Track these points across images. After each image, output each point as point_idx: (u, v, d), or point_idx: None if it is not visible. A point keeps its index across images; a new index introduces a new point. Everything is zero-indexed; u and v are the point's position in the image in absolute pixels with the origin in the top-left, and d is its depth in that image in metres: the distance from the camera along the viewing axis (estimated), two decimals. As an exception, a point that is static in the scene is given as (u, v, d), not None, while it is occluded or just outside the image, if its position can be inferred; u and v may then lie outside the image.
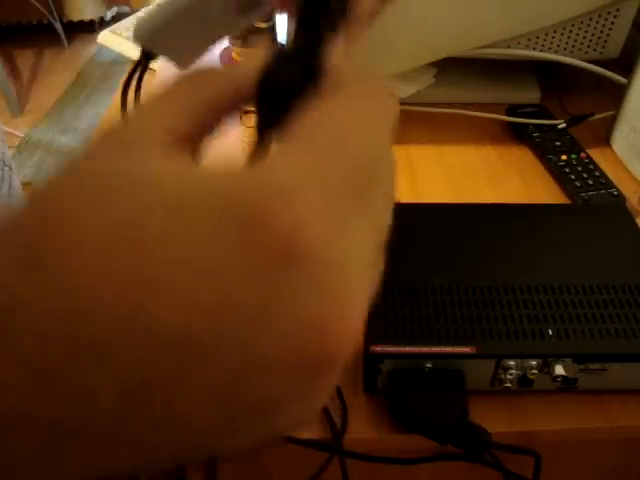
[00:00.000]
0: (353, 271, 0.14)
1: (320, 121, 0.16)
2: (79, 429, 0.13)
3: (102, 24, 2.79)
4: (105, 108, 2.29)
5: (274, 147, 0.17)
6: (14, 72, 2.59)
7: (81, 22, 2.80)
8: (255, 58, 0.19)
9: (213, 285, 0.13)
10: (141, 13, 1.27)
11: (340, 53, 0.20)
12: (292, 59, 0.20)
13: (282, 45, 0.21)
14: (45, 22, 2.75)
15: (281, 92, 0.19)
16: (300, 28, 0.20)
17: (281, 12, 0.27)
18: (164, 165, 0.15)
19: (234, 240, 0.13)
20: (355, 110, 0.17)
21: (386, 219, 0.17)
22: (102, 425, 0.13)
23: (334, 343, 0.14)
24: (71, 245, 0.13)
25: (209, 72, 0.19)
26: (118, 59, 2.58)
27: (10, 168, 0.49)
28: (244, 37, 0.88)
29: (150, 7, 0.34)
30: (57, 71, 2.63)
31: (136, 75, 0.37)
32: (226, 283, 0.13)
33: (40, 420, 0.13)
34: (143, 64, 0.36)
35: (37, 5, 2.62)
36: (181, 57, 0.36)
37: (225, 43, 0.92)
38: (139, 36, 0.35)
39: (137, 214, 0.13)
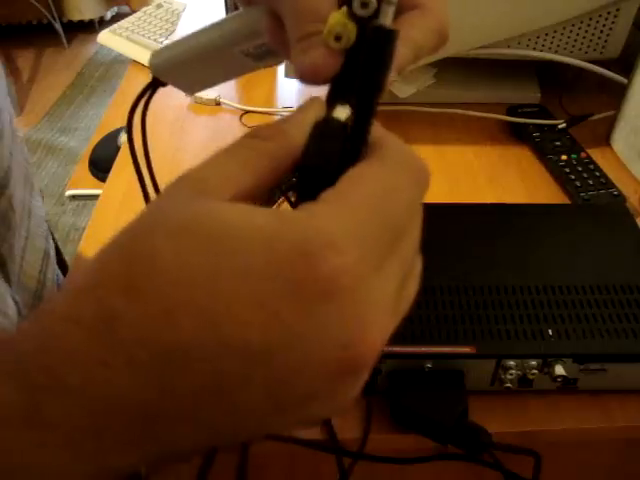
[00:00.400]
0: (379, 304, 0.19)
1: (365, 185, 0.20)
2: (169, 413, 0.18)
3: (102, 24, 2.79)
4: (105, 108, 2.29)
5: (323, 197, 0.19)
6: (14, 72, 2.59)
7: (81, 22, 2.79)
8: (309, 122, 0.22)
9: (267, 311, 0.17)
10: (141, 14, 1.27)
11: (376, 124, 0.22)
12: (338, 137, 0.22)
13: (330, 116, 0.22)
14: (45, 22, 2.75)
15: (323, 173, 0.21)
16: (354, 106, 0.22)
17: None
18: (233, 214, 0.18)
19: (285, 277, 0.17)
20: (397, 181, 0.20)
21: (412, 262, 0.21)
22: (187, 411, 0.18)
23: (360, 357, 0.18)
24: (160, 276, 0.17)
25: (271, 138, 0.22)
26: (118, 59, 2.58)
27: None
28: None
29: (170, 41, 0.35)
30: (57, 71, 2.63)
31: (143, 100, 0.38)
32: (277, 309, 0.17)
33: (144, 406, 0.18)
34: (152, 91, 0.37)
35: (37, 5, 2.61)
36: (191, 88, 0.39)
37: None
38: (154, 66, 0.36)
39: (209, 257, 0.17)
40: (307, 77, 0.24)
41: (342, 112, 0.23)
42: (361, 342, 0.18)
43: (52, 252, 0.50)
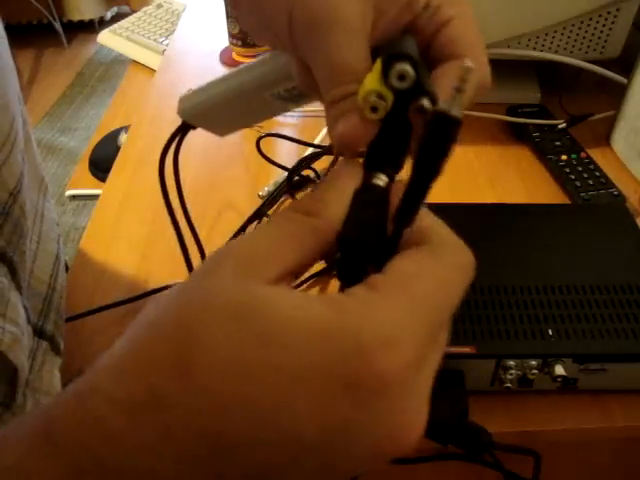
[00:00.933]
0: (424, 393, 0.20)
1: (423, 280, 0.20)
2: None
3: (102, 24, 2.79)
4: (105, 108, 2.29)
5: (378, 286, 0.19)
6: (14, 72, 2.59)
7: (81, 22, 2.80)
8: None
9: (323, 407, 0.17)
10: (141, 14, 1.27)
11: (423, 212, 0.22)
12: (380, 207, 0.22)
13: (370, 185, 0.22)
14: (45, 22, 2.75)
15: (365, 246, 0.21)
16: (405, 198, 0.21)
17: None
18: (288, 303, 0.18)
19: (341, 373, 0.17)
20: (453, 278, 0.21)
21: (444, 346, 0.22)
22: None
23: (406, 447, 0.19)
24: (214, 367, 0.17)
25: (315, 213, 0.22)
26: (118, 59, 2.58)
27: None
28: (244, 37, 0.88)
29: (199, 86, 0.35)
30: (57, 71, 2.63)
31: (173, 145, 0.38)
32: (333, 405, 0.17)
33: None
34: (182, 134, 0.37)
35: (37, 5, 2.62)
36: (222, 131, 0.38)
37: (225, 43, 0.92)
38: (183, 112, 0.35)
39: (265, 350, 0.17)
40: (341, 146, 0.24)
41: (381, 181, 0.23)
42: (409, 434, 0.19)
43: (62, 255, 0.50)
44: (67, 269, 0.57)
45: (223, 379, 0.17)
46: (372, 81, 0.22)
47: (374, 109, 0.22)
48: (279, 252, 0.20)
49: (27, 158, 0.42)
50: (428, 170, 0.21)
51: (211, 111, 0.34)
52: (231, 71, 0.32)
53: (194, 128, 0.36)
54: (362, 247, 0.21)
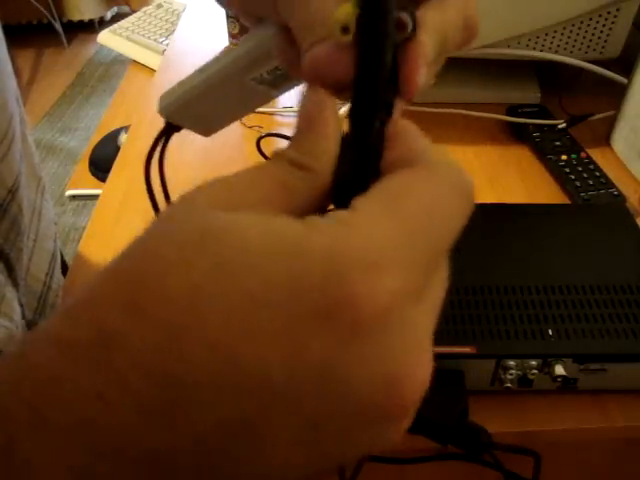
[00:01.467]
0: (422, 335, 0.17)
1: (408, 191, 0.17)
2: (189, 462, 0.15)
3: (102, 24, 2.79)
4: (105, 108, 2.29)
5: (360, 204, 0.17)
6: (14, 72, 2.59)
7: (81, 22, 2.80)
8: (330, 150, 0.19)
9: (292, 342, 0.15)
10: (141, 14, 1.27)
11: (402, 129, 0.20)
12: (351, 152, 0.20)
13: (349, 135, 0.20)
14: (45, 22, 2.75)
15: (352, 188, 0.19)
16: (354, 120, 0.19)
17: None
18: (252, 222, 0.16)
19: (313, 303, 0.14)
20: (449, 199, 0.17)
21: (445, 285, 0.18)
22: (202, 456, 0.15)
23: (407, 396, 0.16)
24: (167, 298, 0.15)
25: (308, 168, 0.19)
26: (118, 59, 2.58)
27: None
28: (245, 34, 0.88)
29: (178, 82, 0.33)
30: (57, 71, 2.63)
31: (159, 147, 0.36)
32: (304, 341, 0.15)
33: (151, 452, 0.15)
34: (166, 136, 0.35)
35: (37, 5, 2.62)
36: (208, 129, 0.36)
37: (225, 42, 0.92)
38: (164, 109, 0.33)
39: (224, 276, 0.15)
40: (313, 74, 0.22)
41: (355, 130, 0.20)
42: (407, 383, 0.16)
43: (58, 254, 0.50)
44: (67, 269, 0.57)
45: (177, 311, 0.15)
46: (345, 6, 0.20)
47: (345, 30, 0.20)
48: (266, 199, 0.18)
49: (24, 157, 0.42)
50: (368, 66, 0.19)
51: (192, 105, 0.32)
52: (209, 60, 0.31)
53: (179, 130, 0.34)
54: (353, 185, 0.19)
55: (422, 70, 0.21)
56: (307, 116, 0.20)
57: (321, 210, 0.20)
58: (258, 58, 0.28)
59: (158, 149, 0.36)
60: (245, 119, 0.77)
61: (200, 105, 0.32)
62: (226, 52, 0.30)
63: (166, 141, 0.35)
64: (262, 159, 0.64)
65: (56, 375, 0.15)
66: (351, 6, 0.20)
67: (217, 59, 0.30)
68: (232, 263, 0.15)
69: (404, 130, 0.20)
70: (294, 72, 0.26)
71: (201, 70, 0.31)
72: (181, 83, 0.32)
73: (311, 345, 0.15)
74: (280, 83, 0.29)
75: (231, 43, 0.90)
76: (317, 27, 0.22)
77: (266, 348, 0.15)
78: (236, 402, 0.15)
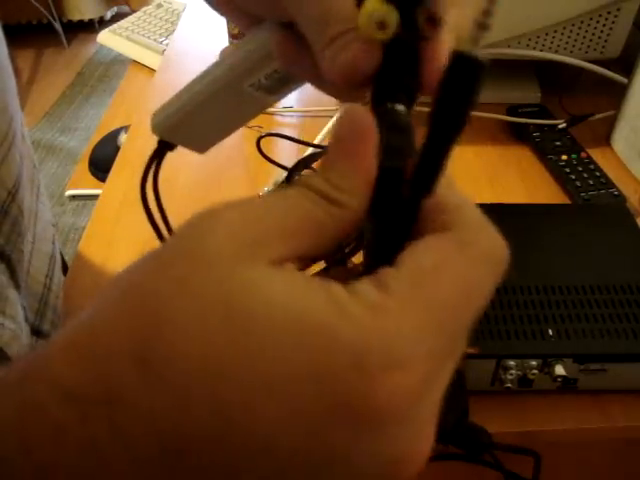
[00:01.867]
0: (432, 416, 0.17)
1: (441, 271, 0.16)
2: None
3: (102, 24, 2.79)
4: (105, 108, 2.29)
5: (394, 285, 0.16)
6: (14, 72, 2.59)
7: (81, 22, 2.80)
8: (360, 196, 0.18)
9: (307, 427, 0.15)
10: (141, 13, 1.27)
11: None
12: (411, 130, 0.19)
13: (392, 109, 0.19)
14: (45, 22, 2.75)
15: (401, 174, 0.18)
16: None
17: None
18: (281, 291, 0.15)
19: (333, 390, 0.14)
20: (480, 279, 0.17)
21: (458, 358, 0.18)
22: None
23: (412, 471, 0.16)
24: (184, 365, 0.15)
25: (339, 203, 0.18)
26: (118, 59, 2.58)
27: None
28: (243, 37, 0.88)
29: (170, 98, 0.31)
30: (57, 71, 2.63)
31: (153, 166, 0.35)
32: (318, 428, 0.15)
33: None
34: (160, 156, 0.34)
35: (37, 5, 2.61)
36: (203, 145, 0.34)
37: (225, 43, 0.92)
38: (157, 127, 0.32)
39: (243, 345, 0.14)
40: (346, 77, 0.21)
41: (401, 108, 0.20)
42: (413, 463, 0.16)
43: (58, 256, 0.50)
44: (67, 269, 0.57)
45: (189, 376, 0.14)
46: (372, 1, 0.20)
47: (382, 26, 0.20)
48: (290, 233, 0.17)
49: (23, 157, 0.42)
50: (450, 122, 0.18)
51: (187, 119, 0.31)
52: (202, 71, 0.29)
53: (172, 148, 0.33)
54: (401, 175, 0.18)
55: None
56: (344, 143, 0.19)
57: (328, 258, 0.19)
58: (256, 62, 0.27)
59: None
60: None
61: (196, 119, 0.31)
62: (221, 60, 0.29)
63: (160, 161, 0.34)
64: (262, 159, 0.64)
65: (62, 423, 0.15)
66: (379, 3, 0.19)
67: (212, 68, 0.29)
68: (255, 342, 0.15)
69: (440, 186, 0.19)
70: (298, 73, 0.25)
71: (195, 82, 0.30)
72: (174, 98, 0.31)
73: (326, 432, 0.15)
74: (278, 88, 0.28)
75: (231, 43, 0.90)
76: (333, 22, 0.21)
77: (280, 435, 0.15)
78: (239, 473, 0.15)
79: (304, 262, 0.18)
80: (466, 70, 0.16)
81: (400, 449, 0.16)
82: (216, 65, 0.29)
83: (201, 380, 0.14)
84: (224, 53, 0.29)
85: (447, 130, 0.18)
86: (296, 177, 0.56)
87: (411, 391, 0.15)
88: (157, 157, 0.33)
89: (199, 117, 0.30)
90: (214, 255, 0.16)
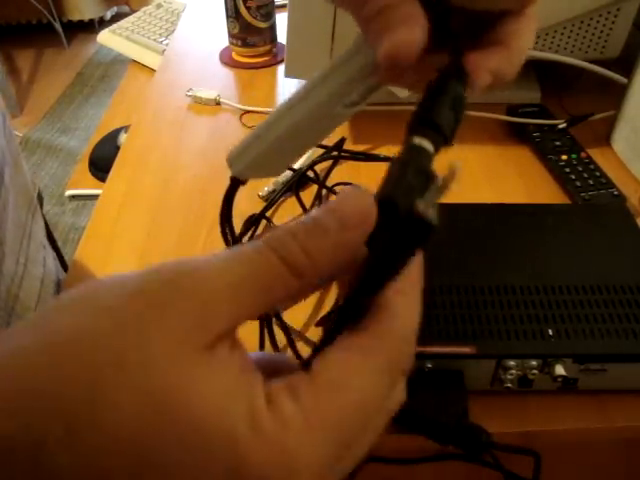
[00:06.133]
0: None
1: (343, 386, 0.19)
2: None
3: (102, 24, 2.79)
4: (105, 108, 2.29)
5: (303, 394, 0.18)
6: (14, 72, 2.59)
7: (81, 22, 2.80)
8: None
9: None
10: (141, 13, 1.27)
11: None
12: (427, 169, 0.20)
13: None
14: (45, 22, 2.75)
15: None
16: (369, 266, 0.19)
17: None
18: (208, 403, 0.17)
19: None
20: (377, 386, 0.20)
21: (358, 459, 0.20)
22: None
23: None
24: (106, 439, 0.16)
25: (302, 272, 0.19)
26: (118, 59, 2.58)
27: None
28: (244, 37, 0.88)
29: (249, 137, 0.30)
30: (57, 71, 2.63)
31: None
32: None
33: None
34: (234, 192, 0.34)
35: (37, 5, 2.62)
36: (279, 171, 0.34)
37: (225, 43, 0.92)
38: (240, 172, 0.32)
39: (164, 441, 0.16)
40: (395, 58, 0.22)
41: (428, 145, 0.20)
42: None
43: (48, 279, 0.48)
44: (67, 269, 0.57)
45: (111, 457, 0.16)
46: None
47: None
48: (239, 307, 0.18)
49: (15, 178, 0.42)
50: (384, 269, 0.19)
51: (272, 156, 0.30)
52: (286, 103, 0.28)
53: (245, 183, 0.33)
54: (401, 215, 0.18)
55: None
56: (341, 218, 0.19)
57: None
58: (358, 82, 0.27)
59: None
60: (245, 119, 0.77)
61: (282, 152, 0.30)
62: (311, 89, 0.28)
63: (233, 197, 0.35)
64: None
65: None
66: None
67: (302, 99, 0.28)
68: (177, 443, 0.16)
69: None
70: (400, 81, 0.27)
71: (279, 117, 0.29)
72: (254, 138, 0.30)
73: None
74: (366, 98, 0.28)
75: (231, 43, 0.90)
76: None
77: None
78: None
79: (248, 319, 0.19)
80: (415, 229, 0.17)
81: None
82: (310, 93, 0.28)
83: (124, 459, 0.16)
84: (307, 84, 0.28)
85: (380, 275, 0.19)
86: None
87: None
88: (231, 194, 0.34)
89: (286, 150, 0.30)
90: (156, 344, 0.17)
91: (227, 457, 0.16)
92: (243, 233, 0.57)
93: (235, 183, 0.33)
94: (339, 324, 0.20)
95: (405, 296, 0.20)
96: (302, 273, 0.19)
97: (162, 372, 0.16)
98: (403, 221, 0.17)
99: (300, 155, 0.32)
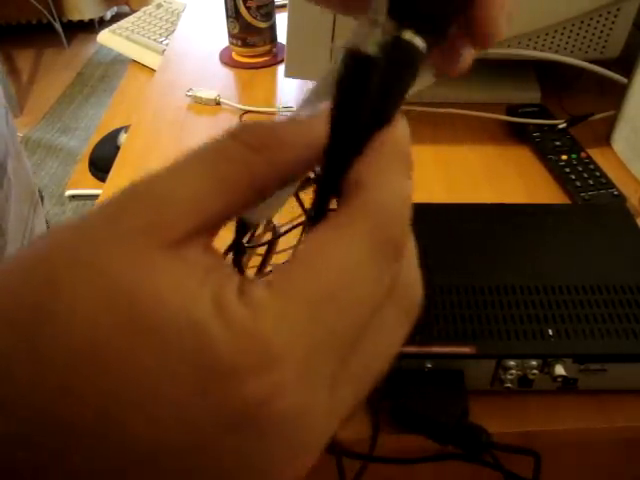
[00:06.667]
0: (317, 432, 0.16)
1: (321, 262, 0.16)
2: None
3: (102, 24, 2.79)
4: (105, 108, 2.29)
5: (275, 279, 0.16)
6: (14, 72, 2.59)
7: (81, 22, 2.80)
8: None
9: (177, 424, 0.15)
10: (141, 13, 1.27)
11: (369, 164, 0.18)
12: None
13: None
14: (45, 22, 2.75)
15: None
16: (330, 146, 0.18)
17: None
18: (170, 297, 0.15)
19: (206, 389, 0.15)
20: (363, 264, 0.16)
21: (372, 375, 0.18)
22: None
23: None
24: (69, 349, 0.15)
25: (261, 150, 0.17)
26: (118, 59, 2.58)
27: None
28: (244, 37, 0.88)
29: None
30: (57, 71, 2.63)
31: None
32: (189, 424, 0.15)
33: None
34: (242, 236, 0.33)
35: (37, 5, 2.62)
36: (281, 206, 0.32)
37: (225, 43, 0.92)
38: (257, 221, 0.30)
39: (129, 338, 0.15)
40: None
41: (416, 41, 0.18)
42: (290, 474, 0.16)
43: None
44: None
45: (77, 363, 0.15)
46: None
47: None
48: (199, 202, 0.16)
49: (18, 172, 0.42)
50: (348, 121, 0.17)
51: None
52: None
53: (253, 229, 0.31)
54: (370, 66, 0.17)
55: (502, 17, 0.21)
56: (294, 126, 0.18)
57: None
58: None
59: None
60: (245, 119, 0.77)
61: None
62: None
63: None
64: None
65: None
66: None
67: None
68: (141, 340, 0.15)
69: (377, 149, 0.18)
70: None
71: None
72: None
73: (198, 434, 0.15)
74: None
75: (231, 43, 0.90)
76: None
77: (164, 440, 0.15)
78: (118, 458, 0.15)
79: (223, 221, 0.18)
80: (358, 67, 0.16)
81: (267, 463, 0.16)
82: None
83: (87, 367, 0.15)
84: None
85: (344, 124, 0.17)
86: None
87: (285, 390, 0.15)
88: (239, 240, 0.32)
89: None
90: (113, 242, 0.16)
91: (194, 353, 0.15)
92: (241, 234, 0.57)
93: (241, 226, 0.31)
94: (317, 211, 0.18)
95: (382, 170, 0.18)
96: (265, 145, 0.17)
97: (117, 270, 0.15)
98: (350, 57, 0.16)
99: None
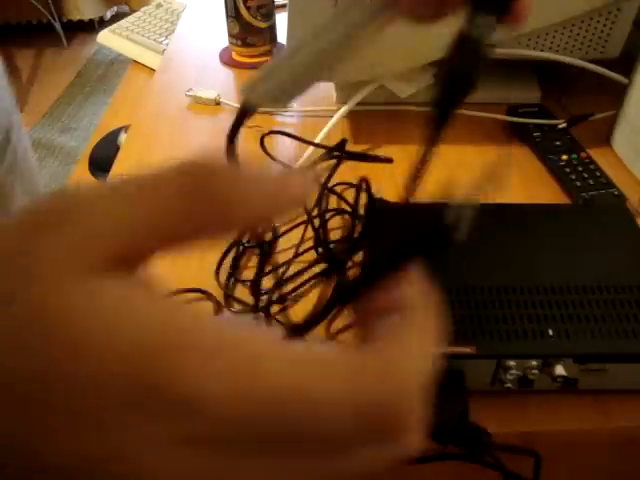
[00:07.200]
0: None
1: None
2: None
3: (102, 24, 2.79)
4: (105, 108, 2.29)
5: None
6: (14, 72, 2.59)
7: (81, 22, 2.80)
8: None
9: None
10: (140, 13, 1.27)
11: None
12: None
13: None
14: (45, 22, 2.75)
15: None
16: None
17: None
18: (89, 297, 0.16)
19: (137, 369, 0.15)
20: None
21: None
22: None
23: None
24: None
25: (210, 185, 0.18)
26: (118, 59, 2.58)
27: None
28: (244, 37, 0.88)
29: (265, 66, 0.29)
30: (56, 71, 2.63)
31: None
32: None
33: None
34: (241, 120, 0.33)
35: (37, 5, 2.62)
36: (290, 101, 0.32)
37: (225, 43, 0.92)
38: (251, 97, 0.31)
39: (40, 357, 0.15)
40: None
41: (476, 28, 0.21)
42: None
43: None
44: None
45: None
46: None
47: None
48: (123, 232, 0.17)
49: (24, 168, 0.42)
50: (386, 261, 0.21)
51: (290, 84, 0.29)
52: (311, 33, 0.27)
53: (254, 111, 0.32)
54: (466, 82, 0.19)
55: None
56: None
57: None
58: (376, 13, 0.27)
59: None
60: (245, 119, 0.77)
61: (301, 80, 0.29)
62: (332, 21, 0.27)
63: (239, 126, 0.34)
64: (261, 158, 0.64)
65: None
66: None
67: (325, 29, 0.28)
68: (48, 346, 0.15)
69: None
70: None
71: (306, 44, 0.28)
72: (278, 65, 0.29)
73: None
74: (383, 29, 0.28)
75: (231, 43, 0.90)
76: None
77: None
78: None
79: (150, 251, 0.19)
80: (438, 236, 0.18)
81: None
82: (329, 27, 0.28)
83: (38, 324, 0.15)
84: (330, 17, 0.28)
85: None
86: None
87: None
88: (239, 123, 0.33)
89: (304, 78, 0.29)
90: (53, 260, 0.16)
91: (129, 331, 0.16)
92: (240, 233, 0.57)
93: (244, 111, 0.32)
94: (333, 301, 0.21)
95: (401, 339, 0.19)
96: (208, 185, 0.18)
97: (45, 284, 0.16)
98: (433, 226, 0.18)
99: (316, 81, 0.31)
